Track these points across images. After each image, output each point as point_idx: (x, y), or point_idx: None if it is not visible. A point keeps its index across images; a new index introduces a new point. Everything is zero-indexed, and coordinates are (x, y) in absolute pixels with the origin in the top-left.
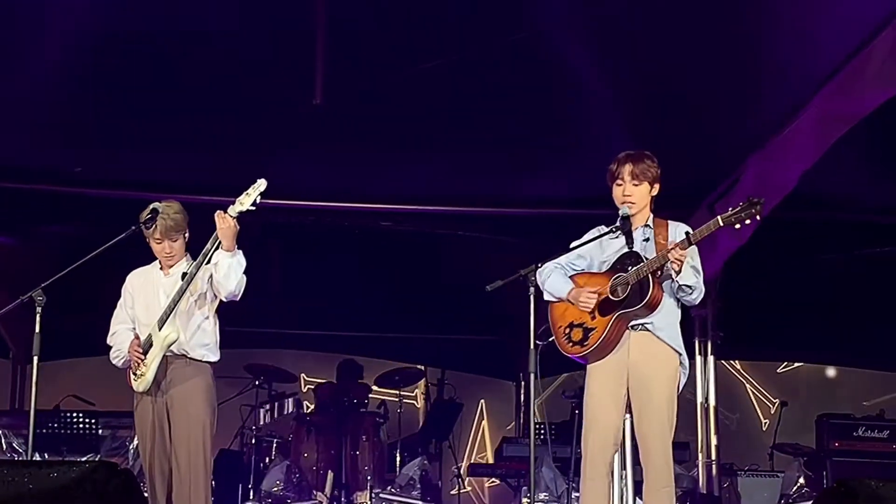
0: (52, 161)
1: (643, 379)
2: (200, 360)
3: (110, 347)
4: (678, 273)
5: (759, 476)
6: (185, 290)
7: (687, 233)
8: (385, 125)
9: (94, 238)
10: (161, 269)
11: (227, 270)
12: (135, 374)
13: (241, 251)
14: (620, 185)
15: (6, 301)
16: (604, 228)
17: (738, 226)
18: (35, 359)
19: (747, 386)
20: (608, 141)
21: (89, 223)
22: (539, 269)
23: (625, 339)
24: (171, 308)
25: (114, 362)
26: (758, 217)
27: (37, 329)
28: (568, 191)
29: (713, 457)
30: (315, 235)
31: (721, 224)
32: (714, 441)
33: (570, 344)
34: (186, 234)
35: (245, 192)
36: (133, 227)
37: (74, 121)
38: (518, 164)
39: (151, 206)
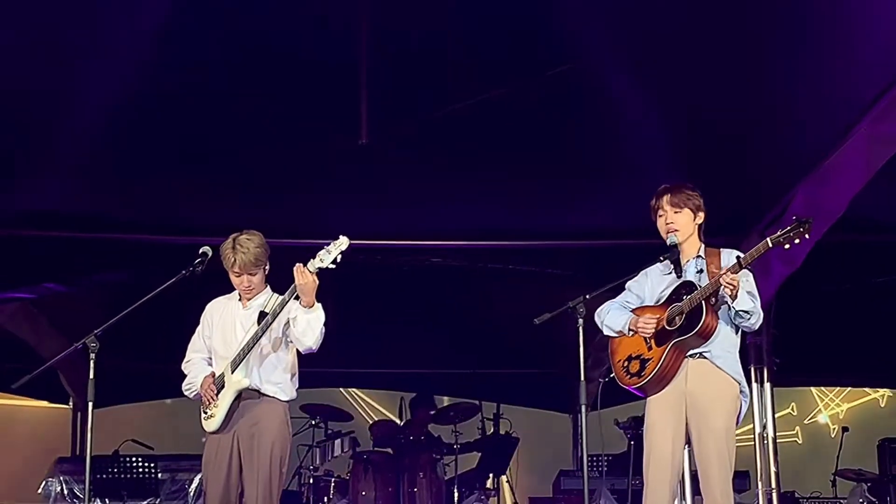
0: (103, 208)
1: (701, 408)
2: (273, 397)
3: (175, 382)
4: (733, 298)
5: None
6: (261, 336)
7: (738, 257)
8: (431, 162)
9: (148, 283)
10: (240, 300)
11: (305, 327)
12: (205, 412)
13: (320, 305)
14: (662, 215)
15: (64, 348)
16: (655, 265)
17: (787, 245)
18: (90, 405)
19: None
20: (655, 171)
21: (142, 269)
22: (598, 310)
23: (682, 367)
24: (245, 352)
25: (185, 392)
26: (806, 236)
27: (91, 375)
28: (615, 221)
29: (773, 485)
30: (366, 274)
31: (770, 245)
32: (774, 469)
33: (629, 376)
34: (267, 268)
35: (325, 249)
36: (183, 272)
37: (125, 167)
38: (565, 195)
39: (202, 250)
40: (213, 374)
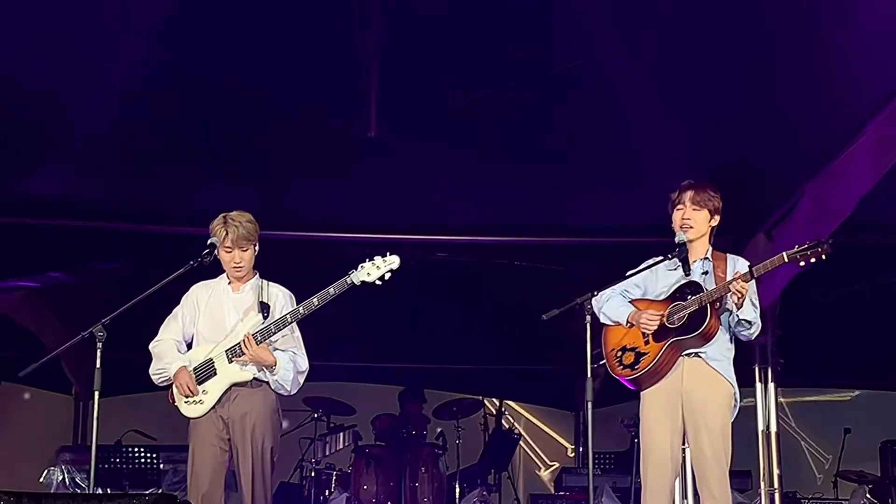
0: (108, 197)
1: (697, 406)
2: (266, 383)
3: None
4: (739, 307)
5: None
6: (265, 339)
7: (750, 266)
8: (439, 156)
9: (152, 274)
10: (229, 283)
11: (276, 386)
12: (186, 397)
13: (281, 359)
14: (681, 209)
15: (67, 338)
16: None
17: (802, 263)
18: (96, 394)
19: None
20: (664, 169)
21: (145, 259)
22: (596, 296)
23: (678, 365)
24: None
25: (153, 376)
26: (823, 257)
27: (97, 364)
28: (623, 220)
29: (775, 485)
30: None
31: (786, 260)
32: (776, 469)
33: (621, 367)
34: (256, 247)
35: (372, 262)
36: (192, 262)
37: (130, 156)
38: (573, 193)
39: (210, 241)
40: (186, 371)
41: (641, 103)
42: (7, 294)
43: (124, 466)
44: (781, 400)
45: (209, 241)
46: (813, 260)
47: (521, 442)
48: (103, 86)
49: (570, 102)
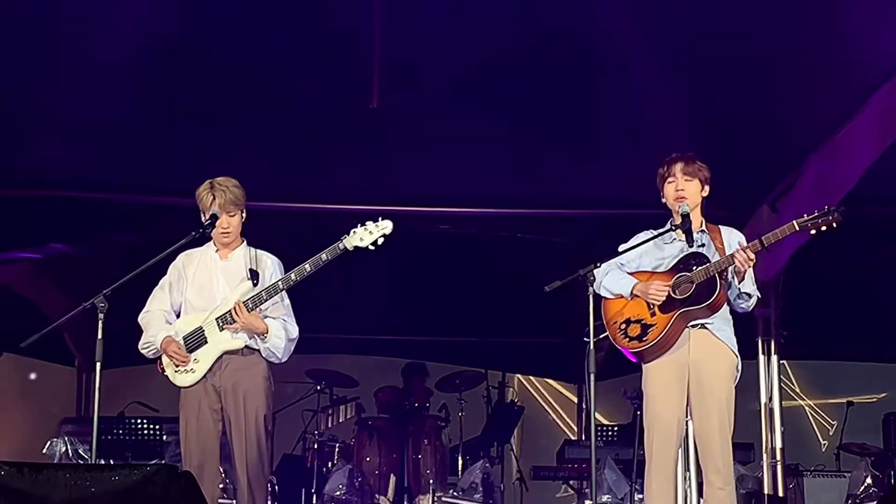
0: (110, 169)
1: (704, 377)
2: (256, 350)
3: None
4: (741, 279)
5: (825, 476)
6: (255, 307)
7: (760, 237)
8: (441, 128)
9: (156, 244)
10: (217, 251)
11: (267, 353)
12: (177, 367)
13: (273, 326)
14: (672, 181)
15: (69, 309)
16: (653, 231)
17: (813, 231)
18: (98, 365)
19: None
20: (668, 142)
21: (147, 230)
22: (596, 269)
23: (684, 337)
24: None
25: (142, 350)
26: (834, 224)
27: (99, 335)
28: (627, 191)
29: (778, 457)
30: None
31: (797, 228)
32: (779, 442)
33: (627, 339)
34: (244, 213)
35: (364, 228)
36: (193, 233)
37: (131, 128)
38: (576, 165)
39: (211, 213)
40: (174, 341)
41: (645, 75)
42: (9, 265)
43: (127, 438)
44: (811, 402)
45: (210, 213)
46: (823, 228)
47: (549, 411)
48: (105, 57)
49: (573, 73)
